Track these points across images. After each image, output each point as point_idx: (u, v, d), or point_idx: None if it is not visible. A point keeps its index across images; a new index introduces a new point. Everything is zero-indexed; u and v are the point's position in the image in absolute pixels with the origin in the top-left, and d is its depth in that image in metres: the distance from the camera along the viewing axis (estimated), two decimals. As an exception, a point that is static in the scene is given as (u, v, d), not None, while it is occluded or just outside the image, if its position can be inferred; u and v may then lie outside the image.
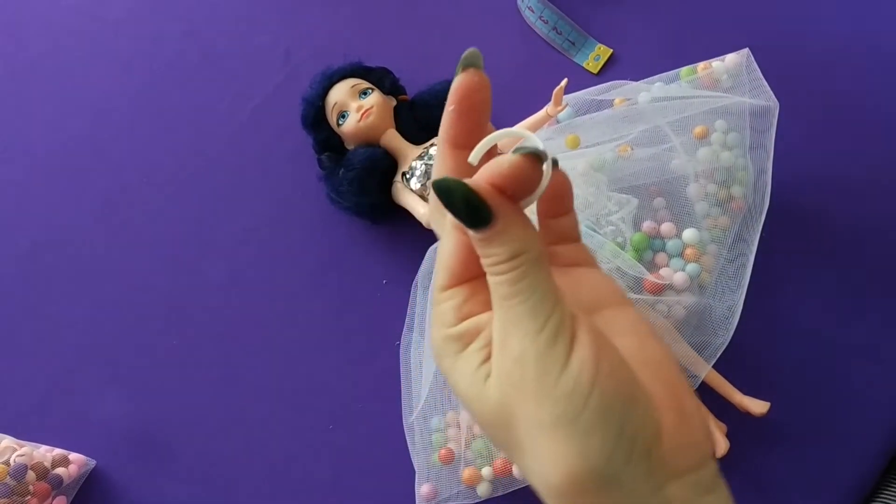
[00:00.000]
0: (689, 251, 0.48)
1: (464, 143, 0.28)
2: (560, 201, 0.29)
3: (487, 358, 0.26)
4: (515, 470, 0.45)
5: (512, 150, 0.25)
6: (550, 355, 0.24)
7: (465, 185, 0.25)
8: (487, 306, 0.27)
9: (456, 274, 0.27)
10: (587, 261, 0.30)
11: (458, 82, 0.27)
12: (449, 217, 0.26)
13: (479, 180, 0.25)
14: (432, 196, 0.26)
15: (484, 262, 0.26)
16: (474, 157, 0.27)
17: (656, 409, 0.25)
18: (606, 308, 0.29)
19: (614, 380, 0.25)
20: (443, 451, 0.46)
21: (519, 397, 0.24)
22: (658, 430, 0.25)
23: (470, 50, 0.27)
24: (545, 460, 0.24)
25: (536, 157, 0.25)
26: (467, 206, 0.25)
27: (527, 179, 0.26)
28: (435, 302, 0.28)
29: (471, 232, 0.25)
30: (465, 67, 0.27)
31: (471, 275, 0.27)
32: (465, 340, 0.26)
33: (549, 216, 0.29)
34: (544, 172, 0.26)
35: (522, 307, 0.25)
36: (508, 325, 0.25)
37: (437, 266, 0.28)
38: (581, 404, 0.24)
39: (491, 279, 0.26)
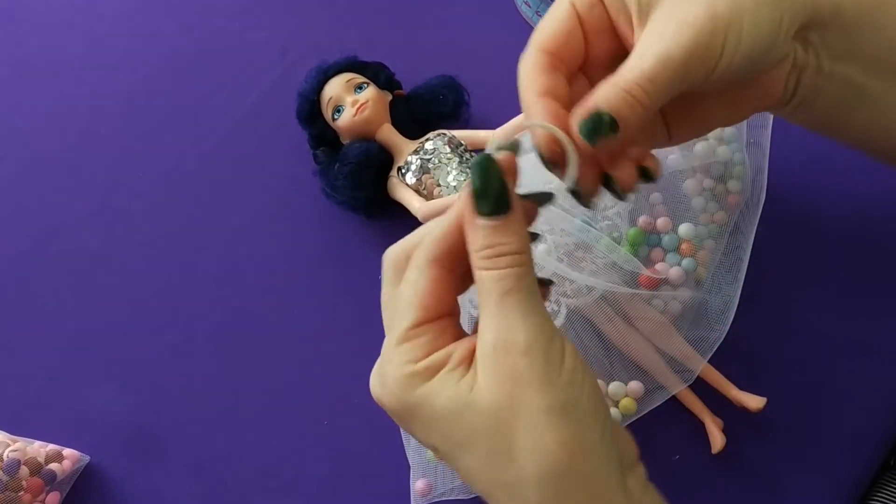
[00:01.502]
0: (684, 246, 0.48)
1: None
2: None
3: (464, 374, 0.27)
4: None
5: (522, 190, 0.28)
6: (553, 347, 0.26)
7: (500, 168, 0.27)
8: (454, 338, 0.28)
9: (430, 310, 0.28)
10: None
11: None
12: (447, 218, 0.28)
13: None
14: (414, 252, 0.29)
15: (486, 254, 0.27)
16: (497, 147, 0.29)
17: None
18: None
19: (592, 374, 0.27)
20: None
21: (523, 390, 0.26)
22: (614, 425, 0.28)
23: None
24: (550, 449, 0.25)
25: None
26: (500, 190, 0.27)
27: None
28: (400, 341, 0.28)
29: (484, 220, 0.27)
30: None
31: (442, 312, 0.29)
32: (434, 370, 0.27)
33: None
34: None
35: (527, 302, 0.26)
36: (514, 320, 0.26)
37: (402, 308, 0.29)
38: (579, 391, 0.26)
39: (490, 275, 0.27)
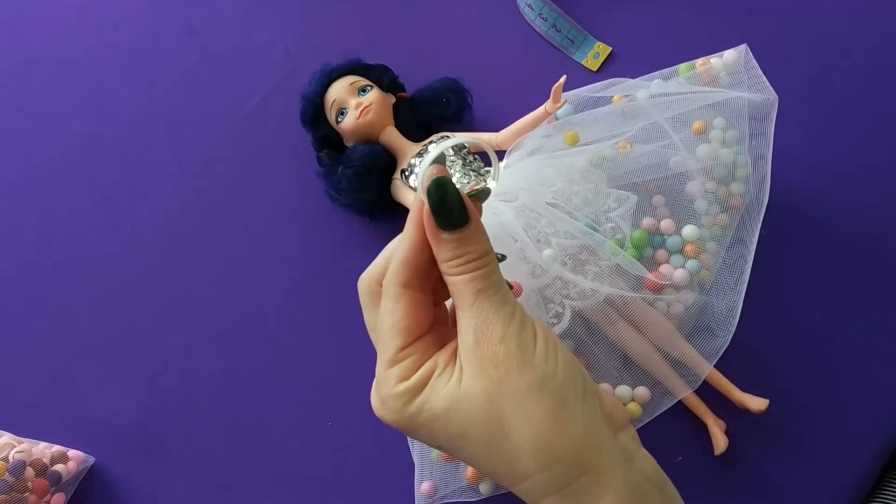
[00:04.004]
0: (688, 248, 0.48)
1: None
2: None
3: (452, 372, 0.30)
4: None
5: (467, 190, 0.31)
6: (525, 331, 0.29)
7: (455, 186, 0.30)
8: (434, 351, 0.31)
9: (411, 332, 0.31)
10: None
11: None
12: (407, 240, 0.30)
13: None
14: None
15: (455, 263, 0.30)
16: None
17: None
18: None
19: (563, 348, 0.30)
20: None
21: (504, 373, 0.29)
22: (597, 390, 0.31)
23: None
24: (537, 419, 0.28)
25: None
26: (459, 205, 0.29)
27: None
28: (389, 364, 0.31)
29: (447, 234, 0.29)
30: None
31: (423, 329, 0.31)
32: (425, 380, 0.30)
33: None
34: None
35: (497, 296, 0.30)
36: (489, 314, 0.29)
37: (387, 333, 0.31)
38: (554, 366, 0.29)
39: (461, 279, 0.30)
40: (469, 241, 0.30)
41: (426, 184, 0.29)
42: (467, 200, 0.30)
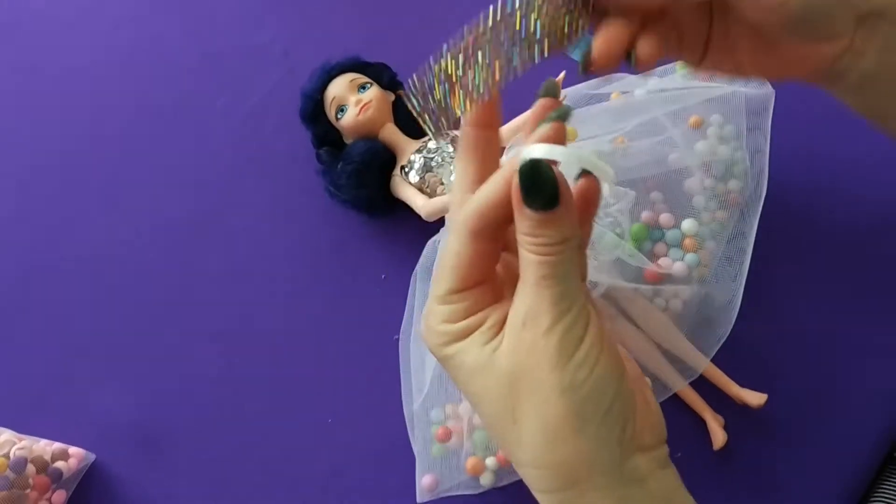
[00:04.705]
0: (687, 241, 0.48)
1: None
2: (588, 207, 0.31)
3: (493, 336, 0.29)
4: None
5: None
6: (573, 332, 0.28)
7: (552, 169, 0.28)
8: (487, 303, 0.30)
9: (468, 279, 0.30)
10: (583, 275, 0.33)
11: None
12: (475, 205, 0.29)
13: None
14: (450, 203, 0.28)
15: (530, 240, 0.28)
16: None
17: (632, 391, 0.30)
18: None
19: (611, 360, 0.29)
20: (440, 431, 0.46)
21: (535, 364, 0.28)
22: (633, 407, 0.30)
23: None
24: (547, 420, 0.28)
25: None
26: (552, 190, 0.27)
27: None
28: (440, 301, 0.30)
29: (531, 212, 0.28)
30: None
31: (482, 279, 0.30)
32: (469, 331, 0.30)
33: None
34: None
35: (559, 287, 0.28)
36: (543, 303, 0.28)
37: (444, 269, 0.30)
38: (586, 375, 0.28)
39: (532, 258, 0.28)
40: (550, 224, 0.28)
41: (523, 157, 0.27)
42: (562, 182, 0.28)
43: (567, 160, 0.28)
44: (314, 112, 0.55)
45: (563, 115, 0.29)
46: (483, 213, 0.29)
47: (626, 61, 0.32)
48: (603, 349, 0.29)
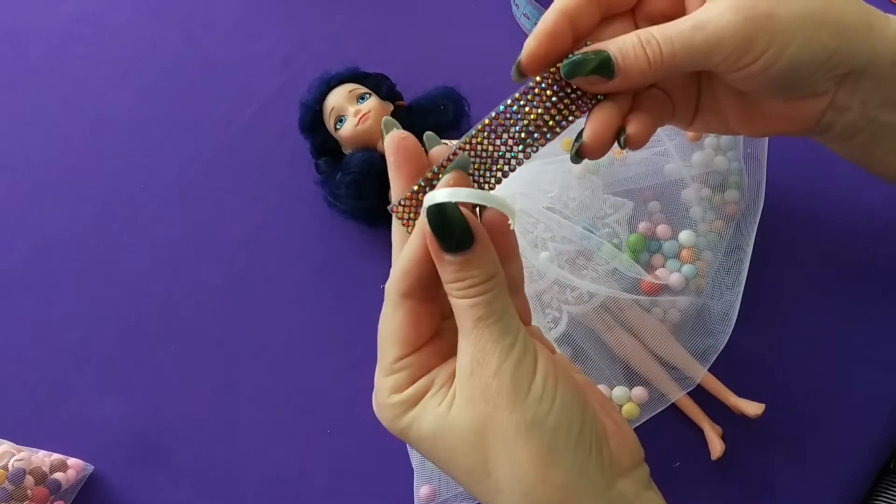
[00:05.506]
0: (685, 253, 0.48)
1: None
2: (506, 242, 0.31)
3: (445, 395, 0.29)
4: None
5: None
6: (523, 366, 0.28)
7: (458, 208, 0.28)
8: (435, 364, 0.30)
9: (408, 343, 0.30)
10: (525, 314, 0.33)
11: (388, 141, 0.31)
12: (405, 262, 0.29)
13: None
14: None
15: (457, 286, 0.28)
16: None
17: (598, 416, 0.29)
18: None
19: (570, 386, 0.28)
20: None
21: (493, 409, 0.27)
22: (604, 431, 0.29)
23: (384, 119, 0.32)
24: (521, 462, 0.27)
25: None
26: (462, 228, 0.27)
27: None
28: (385, 373, 0.30)
29: (450, 256, 0.28)
30: (388, 130, 0.31)
31: (421, 342, 0.30)
32: (419, 396, 0.29)
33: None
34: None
35: (498, 325, 0.28)
36: (487, 344, 0.28)
37: (384, 340, 0.30)
38: (548, 406, 0.27)
39: (463, 303, 0.28)
40: (473, 264, 0.28)
41: (427, 204, 0.27)
42: (472, 220, 0.28)
43: (471, 199, 0.28)
44: (313, 122, 0.56)
45: (462, 165, 0.30)
46: (408, 272, 0.29)
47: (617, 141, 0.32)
48: (559, 378, 0.28)
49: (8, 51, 0.66)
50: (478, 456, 0.27)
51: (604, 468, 0.28)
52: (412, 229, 0.31)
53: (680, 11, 0.33)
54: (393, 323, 0.30)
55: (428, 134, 0.32)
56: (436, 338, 0.31)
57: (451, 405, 0.28)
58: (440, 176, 0.30)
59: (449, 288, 0.28)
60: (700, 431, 0.48)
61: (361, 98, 0.55)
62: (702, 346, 0.47)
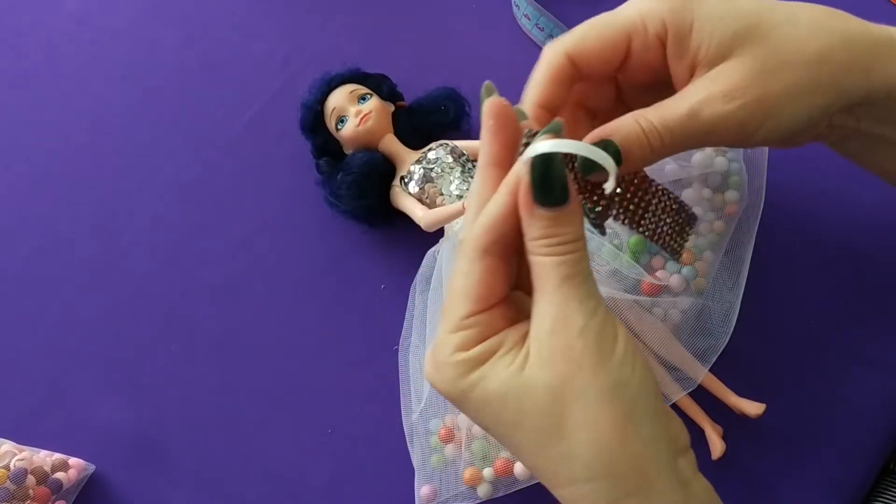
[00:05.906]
0: (685, 254, 0.48)
1: (501, 161, 0.30)
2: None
3: (517, 354, 0.28)
4: (517, 469, 0.45)
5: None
6: (607, 329, 0.27)
7: (560, 161, 0.27)
8: (503, 326, 0.29)
9: (482, 301, 0.29)
10: None
11: (488, 106, 0.29)
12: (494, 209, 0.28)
13: None
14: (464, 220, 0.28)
15: (545, 242, 0.27)
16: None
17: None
18: None
19: (643, 356, 0.28)
20: (442, 431, 0.46)
21: (577, 369, 0.26)
22: (667, 409, 0.29)
23: (486, 83, 0.30)
24: (601, 425, 0.26)
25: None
26: (563, 183, 0.27)
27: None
28: (452, 329, 0.29)
29: (544, 211, 0.27)
30: (489, 94, 0.30)
31: (495, 300, 0.29)
32: (487, 355, 0.28)
33: None
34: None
35: (584, 287, 0.27)
36: (571, 303, 0.27)
37: (455, 295, 0.29)
38: (630, 371, 0.27)
39: (549, 260, 0.27)
40: (564, 221, 0.27)
41: (531, 154, 0.26)
42: (570, 184, 0.27)
43: (577, 151, 0.27)
44: (314, 123, 0.56)
45: (555, 129, 0.28)
46: (491, 226, 0.28)
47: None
48: (636, 346, 0.28)
49: (8, 51, 0.66)
50: (551, 418, 0.27)
51: (669, 443, 0.28)
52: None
53: (663, 79, 0.33)
54: (468, 278, 0.29)
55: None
56: (505, 301, 0.30)
57: (523, 365, 0.27)
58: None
59: (534, 245, 0.28)
60: (701, 431, 0.48)
61: (362, 98, 0.55)
62: (702, 346, 0.47)
